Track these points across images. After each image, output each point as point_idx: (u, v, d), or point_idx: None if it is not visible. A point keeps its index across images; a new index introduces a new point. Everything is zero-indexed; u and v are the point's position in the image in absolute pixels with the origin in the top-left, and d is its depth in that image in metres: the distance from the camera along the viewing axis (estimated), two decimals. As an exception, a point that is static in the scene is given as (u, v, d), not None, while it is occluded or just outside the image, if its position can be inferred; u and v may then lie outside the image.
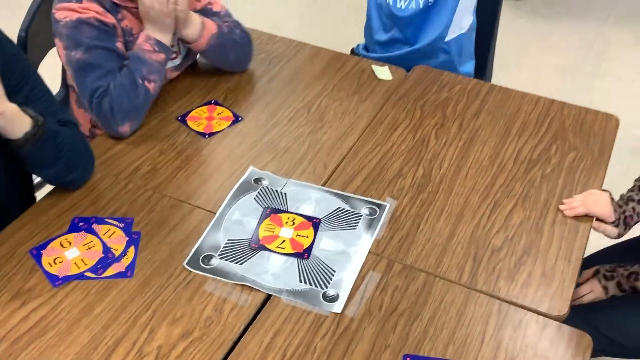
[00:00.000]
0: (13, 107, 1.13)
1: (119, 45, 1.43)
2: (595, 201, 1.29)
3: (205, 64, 1.69)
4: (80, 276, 1.14)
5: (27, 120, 1.15)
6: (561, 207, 1.30)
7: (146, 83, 1.41)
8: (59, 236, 1.21)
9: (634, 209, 1.31)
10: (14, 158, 1.20)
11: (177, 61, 1.60)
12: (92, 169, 1.33)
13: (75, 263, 1.16)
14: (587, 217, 1.29)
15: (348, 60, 1.74)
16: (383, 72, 1.68)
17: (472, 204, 1.32)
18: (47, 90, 1.27)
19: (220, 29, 1.56)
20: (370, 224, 1.26)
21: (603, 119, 1.55)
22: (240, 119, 1.53)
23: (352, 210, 1.29)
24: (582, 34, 3.30)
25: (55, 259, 1.17)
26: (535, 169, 1.40)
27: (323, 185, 1.35)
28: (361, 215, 1.28)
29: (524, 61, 3.01)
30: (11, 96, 1.13)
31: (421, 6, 1.73)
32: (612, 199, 1.31)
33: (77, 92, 1.46)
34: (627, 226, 1.32)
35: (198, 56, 1.68)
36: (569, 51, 3.18)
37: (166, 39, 1.46)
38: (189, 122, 1.51)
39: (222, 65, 1.65)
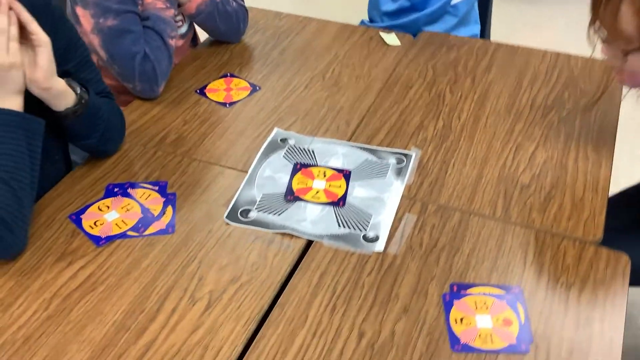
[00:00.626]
0: (60, 84, 1.14)
1: (140, 7, 1.46)
2: None
3: (216, 42, 1.72)
4: (122, 235, 1.15)
5: (71, 96, 1.17)
6: None
7: (171, 41, 1.46)
8: (97, 201, 1.22)
9: None
10: (57, 126, 1.21)
11: (184, 29, 1.63)
12: (123, 139, 1.35)
13: (116, 224, 1.17)
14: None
15: (355, 30, 1.77)
16: (391, 39, 1.72)
17: (495, 149, 1.35)
18: (91, 60, 1.30)
19: None
20: (400, 172, 1.29)
21: (609, 66, 1.59)
22: (258, 88, 1.55)
23: (380, 160, 1.32)
24: (569, 14, 3.39)
25: (96, 221, 1.18)
26: (552, 114, 1.44)
27: (348, 140, 1.38)
28: (389, 165, 1.31)
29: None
30: (62, 64, 1.15)
31: None
32: None
33: (105, 59, 1.46)
34: None
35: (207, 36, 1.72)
36: (557, 32, 3.25)
37: None
38: (208, 94, 1.53)
39: (212, 35, 1.71)
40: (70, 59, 1.23)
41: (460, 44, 1.70)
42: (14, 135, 1.08)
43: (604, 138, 1.37)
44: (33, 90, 1.11)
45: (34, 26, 1.08)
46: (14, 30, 1.07)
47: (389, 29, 1.76)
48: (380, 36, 1.73)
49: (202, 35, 1.78)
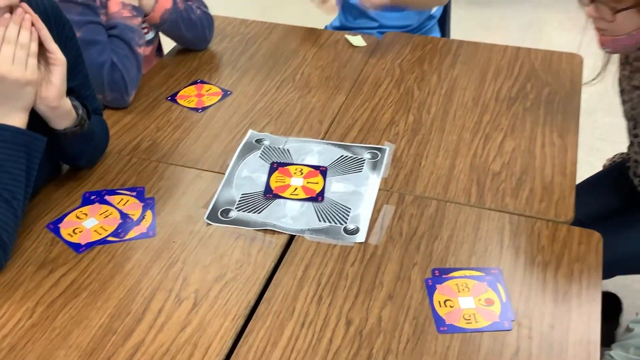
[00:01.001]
0: (67, 103, 1.14)
1: (103, 18, 1.46)
2: None
3: (184, 49, 1.73)
4: (103, 241, 1.15)
5: (73, 116, 1.16)
6: None
7: (139, 49, 1.46)
8: (74, 210, 1.22)
9: None
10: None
11: (150, 35, 1.63)
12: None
13: (95, 231, 1.17)
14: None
15: (321, 34, 1.80)
16: (357, 40, 1.75)
17: (466, 139, 1.39)
18: (89, 76, 1.30)
19: (175, 5, 1.60)
20: (375, 166, 1.31)
21: (568, 58, 1.65)
22: (229, 92, 1.56)
23: (355, 156, 1.34)
24: (520, 16, 3.50)
25: (75, 229, 1.17)
26: (517, 105, 1.49)
27: (322, 138, 1.40)
28: (364, 160, 1.33)
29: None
30: (69, 81, 1.13)
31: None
32: None
33: None
34: None
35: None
36: (510, 33, 3.35)
37: (135, 1, 1.51)
38: (179, 101, 1.54)
39: (179, 42, 1.73)
40: (76, 77, 1.22)
41: (424, 43, 1.74)
42: (16, 153, 1.07)
43: (567, 125, 1.42)
44: (40, 107, 1.11)
45: (52, 45, 1.09)
46: (34, 47, 1.06)
47: (353, 32, 1.80)
48: (345, 38, 1.76)
49: (167, 46, 1.78)
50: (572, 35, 3.31)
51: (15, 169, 1.07)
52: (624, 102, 1.44)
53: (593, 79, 1.39)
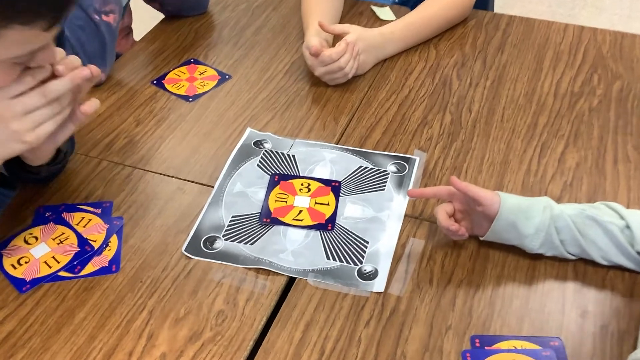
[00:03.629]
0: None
1: None
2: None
3: (175, 19, 1.45)
4: (53, 277, 0.91)
5: (51, 155, 0.94)
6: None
7: (104, 17, 1.19)
8: (22, 231, 0.97)
9: None
10: None
11: None
12: None
13: (45, 262, 0.93)
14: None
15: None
16: (384, 12, 1.46)
17: (516, 149, 1.11)
18: None
19: None
20: (401, 183, 1.05)
21: (644, 42, 1.35)
22: (227, 77, 1.29)
23: (376, 168, 1.07)
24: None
25: (20, 259, 0.93)
26: (581, 103, 1.20)
27: (337, 143, 1.13)
28: (388, 173, 1.06)
29: (513, 12, 2.82)
30: None
31: None
32: None
33: None
34: None
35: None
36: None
37: None
38: (167, 86, 1.27)
39: (169, 5, 1.43)
40: None
41: (466, 17, 1.44)
42: None
43: (646, 132, 1.13)
44: (24, 151, 0.87)
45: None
46: (64, 113, 0.85)
47: (382, 2, 1.50)
48: (371, 10, 1.47)
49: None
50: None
51: None
52: None
53: None
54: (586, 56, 1.32)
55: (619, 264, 0.89)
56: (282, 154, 1.10)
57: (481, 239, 0.93)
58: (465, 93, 1.23)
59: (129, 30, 1.49)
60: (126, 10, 1.41)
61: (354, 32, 1.22)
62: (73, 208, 1.01)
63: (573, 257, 0.90)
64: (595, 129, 1.14)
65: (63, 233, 0.97)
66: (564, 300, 0.87)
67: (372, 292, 0.88)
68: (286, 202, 1.01)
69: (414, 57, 1.33)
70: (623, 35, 1.37)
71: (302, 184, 1.04)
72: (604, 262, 0.89)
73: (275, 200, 1.01)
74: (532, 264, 0.92)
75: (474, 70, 1.29)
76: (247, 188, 1.04)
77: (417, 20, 1.33)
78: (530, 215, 0.88)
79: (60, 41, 1.18)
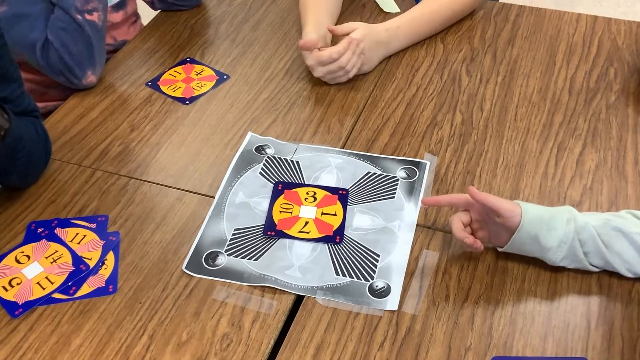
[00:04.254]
0: None
1: None
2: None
3: (170, 16, 1.39)
4: (47, 300, 0.86)
5: None
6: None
7: (87, 16, 1.12)
8: (13, 249, 0.92)
9: None
10: None
11: None
12: (46, 166, 1.04)
13: (38, 283, 0.88)
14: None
15: (344, -4, 1.44)
16: (388, 5, 1.39)
17: (532, 151, 1.05)
18: (17, 69, 0.99)
19: None
20: (412, 189, 0.99)
21: (662, 33, 1.29)
22: (225, 77, 1.23)
23: (385, 174, 1.02)
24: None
25: (11, 280, 0.88)
26: (597, 99, 1.14)
27: (342, 147, 1.07)
28: (398, 179, 1.01)
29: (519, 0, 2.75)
30: None
31: None
32: None
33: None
34: None
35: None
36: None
37: None
38: (162, 88, 1.21)
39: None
40: None
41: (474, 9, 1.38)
42: None
43: (667, 130, 1.08)
44: None
45: None
46: None
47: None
48: (375, 2, 1.40)
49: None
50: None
51: None
52: None
53: None
54: (601, 48, 1.26)
55: None
56: (285, 160, 1.05)
57: (500, 250, 0.88)
58: (476, 90, 1.17)
59: (135, 18, 1.43)
60: None
61: (360, 29, 1.16)
62: (66, 223, 0.96)
63: (596, 270, 0.86)
64: (614, 127, 1.09)
65: (56, 251, 0.92)
66: (589, 316, 0.82)
67: (385, 310, 0.84)
68: (291, 212, 0.96)
69: (421, 52, 1.27)
70: (639, 25, 1.31)
71: (307, 193, 0.99)
72: (629, 275, 0.85)
73: (280, 211, 0.96)
74: (554, 276, 0.87)
75: (484, 65, 1.23)
76: (250, 198, 0.99)
77: (423, 14, 1.27)
78: (553, 227, 0.83)
79: (44, 47, 1.12)
